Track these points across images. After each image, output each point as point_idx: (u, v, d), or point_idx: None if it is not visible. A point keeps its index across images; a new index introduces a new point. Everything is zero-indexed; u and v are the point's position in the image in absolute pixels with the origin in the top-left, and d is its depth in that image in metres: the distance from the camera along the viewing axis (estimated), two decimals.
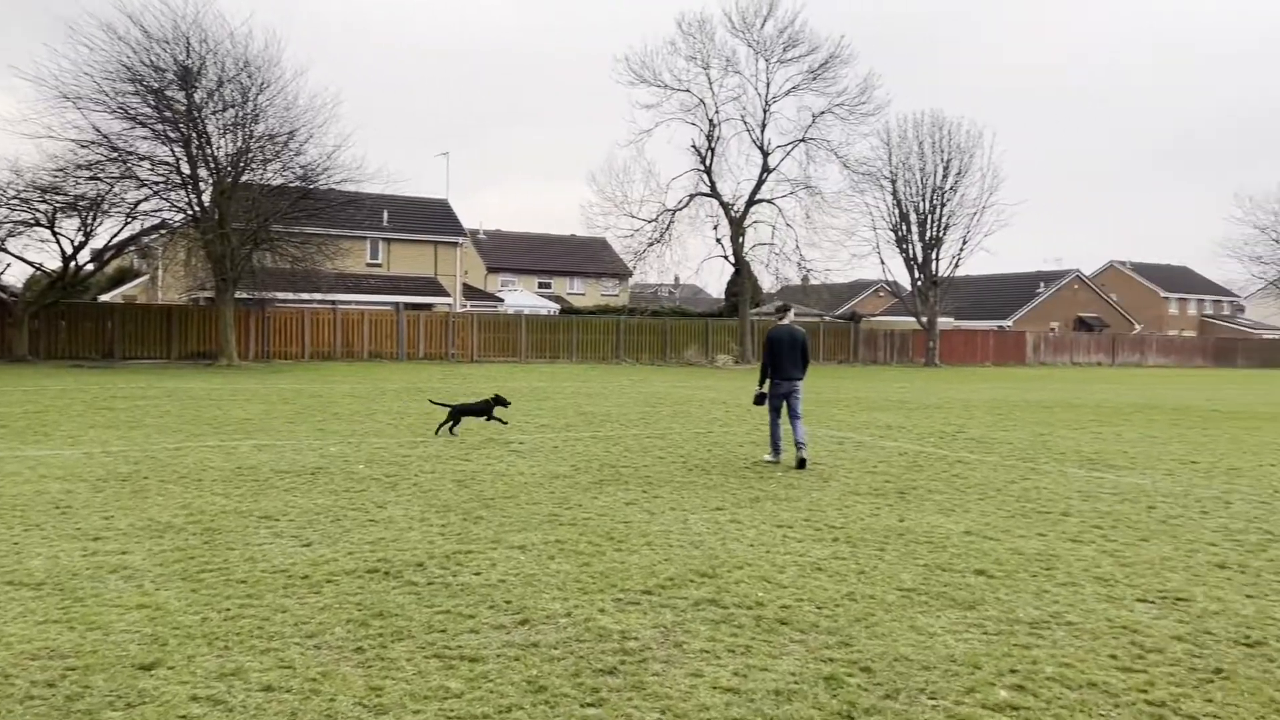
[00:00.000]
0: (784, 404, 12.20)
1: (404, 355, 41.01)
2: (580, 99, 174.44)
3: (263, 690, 4.35)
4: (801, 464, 11.61)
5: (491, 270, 66.72)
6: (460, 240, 51.28)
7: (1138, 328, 72.01)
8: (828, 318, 54.32)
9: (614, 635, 5.18)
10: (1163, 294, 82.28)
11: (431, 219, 51.22)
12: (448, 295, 48.14)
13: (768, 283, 49.84)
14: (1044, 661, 4.90)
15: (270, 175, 34.53)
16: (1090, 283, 74.90)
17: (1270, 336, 73.01)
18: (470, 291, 54.15)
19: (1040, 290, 70.99)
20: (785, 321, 12.33)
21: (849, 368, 47.31)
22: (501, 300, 55.38)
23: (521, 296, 58.39)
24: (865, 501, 9.46)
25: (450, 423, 14.44)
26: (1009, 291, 71.57)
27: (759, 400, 12.35)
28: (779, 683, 4.54)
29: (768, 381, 12.22)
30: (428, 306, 45.95)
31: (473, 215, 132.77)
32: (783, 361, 12.08)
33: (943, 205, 51.13)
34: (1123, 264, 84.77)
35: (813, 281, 47.98)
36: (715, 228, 46.38)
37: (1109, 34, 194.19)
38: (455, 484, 9.97)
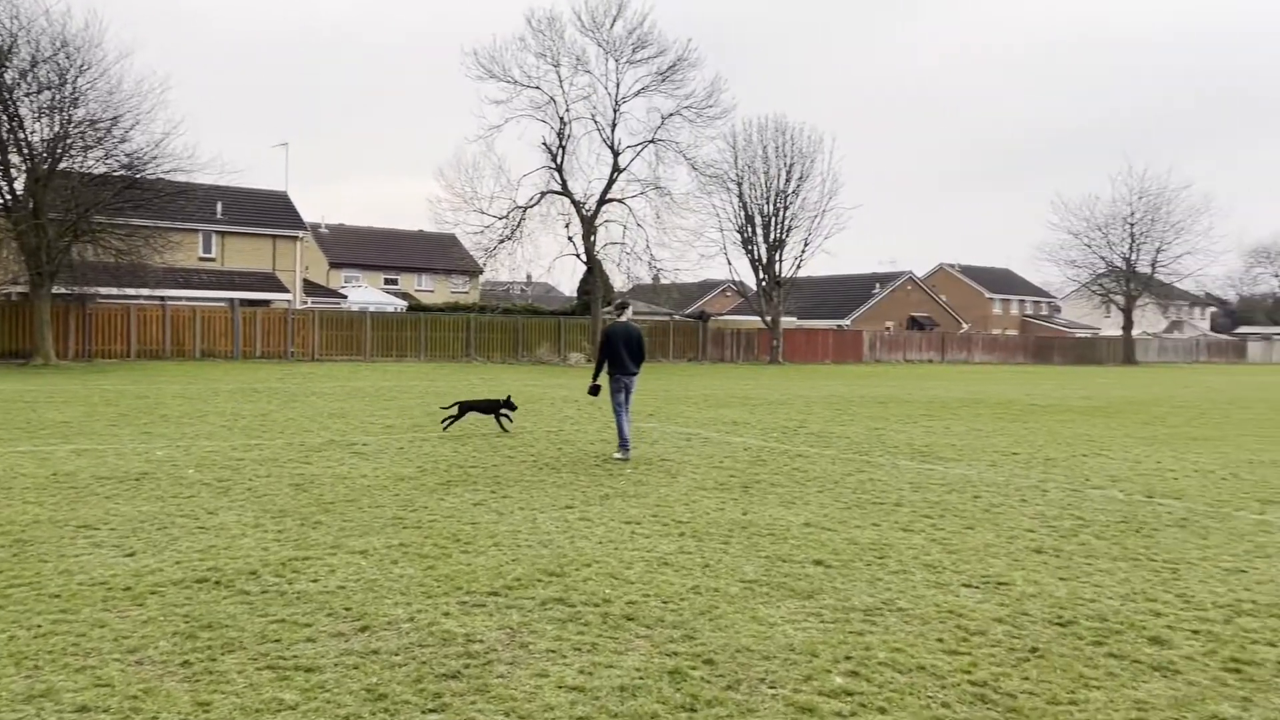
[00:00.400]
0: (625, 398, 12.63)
1: (239, 354, 39.25)
2: (428, 92, 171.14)
3: (76, 711, 4.07)
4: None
5: (334, 266, 64.61)
6: (301, 234, 49.45)
7: (965, 327, 76.16)
8: (677, 316, 55.13)
9: (458, 638, 5.09)
10: (988, 295, 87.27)
11: (270, 212, 49.18)
12: (287, 291, 46.33)
13: (619, 281, 50.13)
14: (877, 647, 5.10)
15: (92, 163, 32.42)
16: (922, 284, 78.75)
17: (1083, 335, 78.51)
18: (311, 288, 52.31)
19: (876, 291, 74.17)
20: (623, 319, 12.76)
21: (698, 365, 48.17)
22: (345, 297, 53.69)
23: (366, 293, 56.78)
24: (711, 496, 9.64)
25: (455, 417, 15.01)
26: (847, 292, 74.48)
27: (593, 391, 12.82)
28: (624, 679, 4.56)
29: (603, 374, 12.65)
30: (265, 303, 44.10)
31: (315, 209, 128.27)
32: (621, 357, 12.48)
33: (786, 208, 52.73)
34: (952, 266, 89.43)
35: (663, 281, 48.59)
36: (567, 226, 46.36)
37: (941, 43, 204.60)
38: (293, 488, 9.60)
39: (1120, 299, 69.73)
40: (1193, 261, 68.22)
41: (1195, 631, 5.47)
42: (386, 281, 66.11)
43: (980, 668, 4.83)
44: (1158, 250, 67.51)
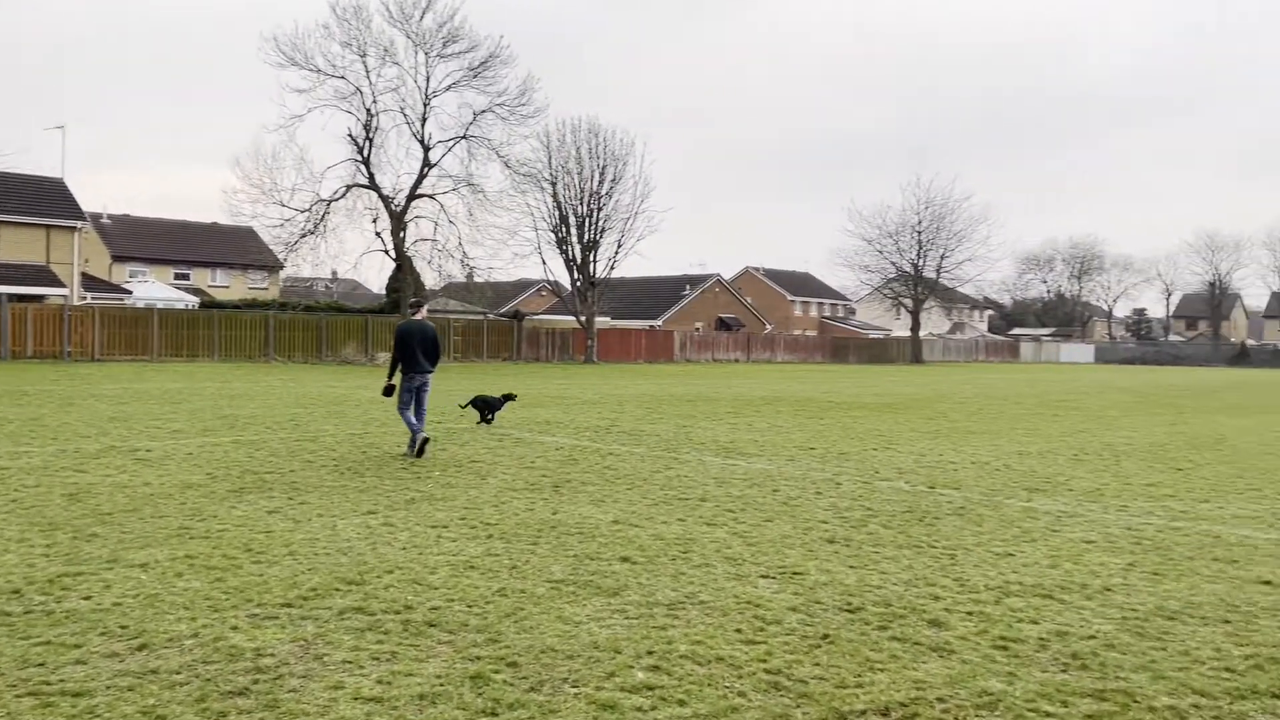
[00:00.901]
0: (414, 396, 12.61)
1: (8, 354, 35.93)
2: (224, 77, 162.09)
3: None
4: (421, 452, 12.15)
5: (118, 259, 60.18)
6: (79, 224, 45.73)
7: (769, 327, 79.20)
8: (492, 316, 54.62)
9: (247, 653, 4.83)
10: (790, 297, 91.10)
11: (43, 200, 45.22)
12: (63, 286, 42.77)
13: (431, 279, 49.19)
14: (679, 641, 5.21)
15: None
16: (729, 286, 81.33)
17: (876, 336, 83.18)
18: (92, 283, 48.47)
19: (686, 292, 75.99)
20: (418, 317, 12.80)
21: (513, 365, 47.87)
22: (130, 292, 50.09)
23: (154, 288, 53.20)
24: (521, 497, 9.59)
25: (480, 409, 16.53)
26: (659, 293, 75.96)
27: (387, 392, 12.67)
28: (424, 686, 4.46)
29: (398, 374, 12.56)
30: (39, 298, 40.56)
31: (100, 199, 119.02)
32: (415, 355, 12.45)
33: (599, 209, 53.23)
34: (757, 269, 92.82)
35: (477, 279, 48.03)
36: (375, 221, 45.06)
37: (743, 48, 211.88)
38: (66, 498, 8.86)
39: (909, 302, 74.37)
40: (973, 268, 73.86)
41: (969, 613, 5.88)
42: (177, 276, 62.20)
43: (775, 656, 5.02)
44: (942, 257, 72.50)
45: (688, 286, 76.78)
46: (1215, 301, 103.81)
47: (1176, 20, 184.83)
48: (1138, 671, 4.89)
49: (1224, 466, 13.23)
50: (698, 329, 71.17)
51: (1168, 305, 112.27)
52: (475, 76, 45.08)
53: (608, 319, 59.94)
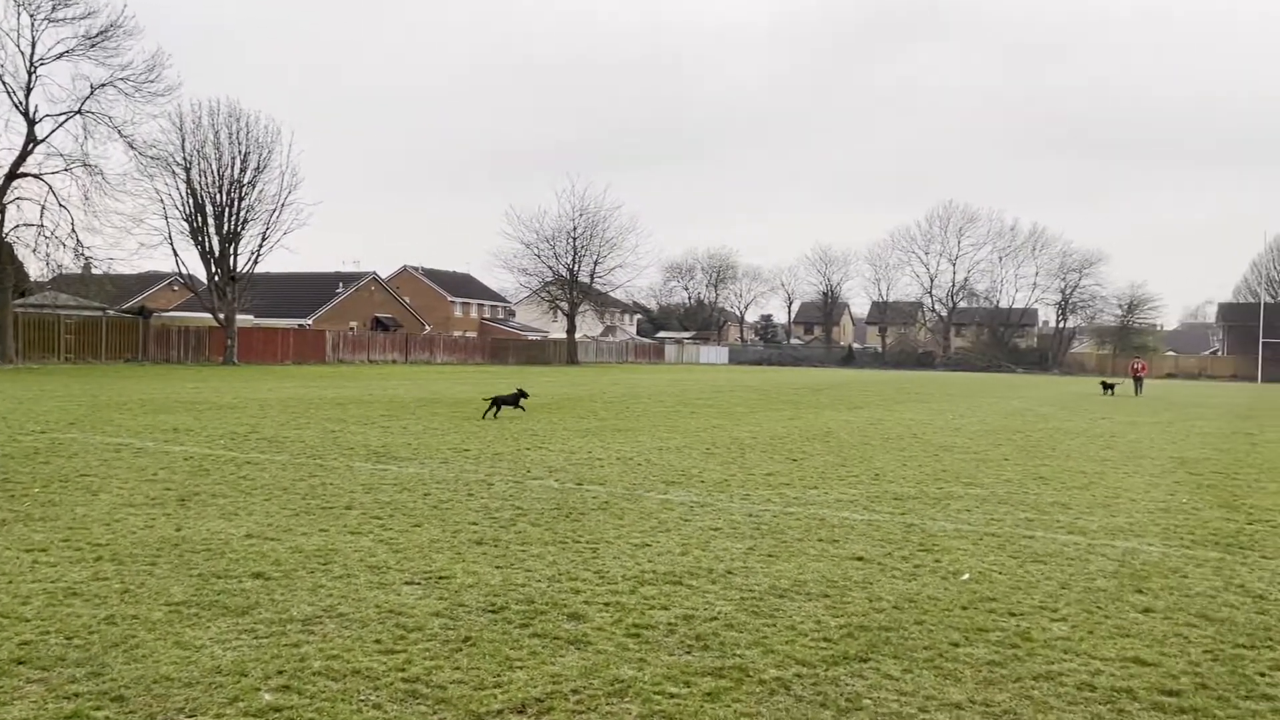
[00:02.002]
0: None
1: None
2: None
3: None
4: None
5: None
6: None
7: (428, 328, 78.21)
8: (112, 312, 49.13)
9: None
10: (450, 298, 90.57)
11: None
12: None
13: (36, 269, 43.43)
14: (313, 657, 4.97)
15: None
16: (386, 285, 79.33)
17: (534, 338, 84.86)
18: None
19: (340, 290, 73.09)
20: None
21: (137, 366, 43.41)
22: None
23: None
24: (140, 513, 8.71)
25: (494, 409, 19.48)
26: (310, 290, 72.39)
27: None
28: None
29: None
30: None
31: None
32: None
33: (241, 199, 49.81)
34: (415, 269, 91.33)
35: (94, 271, 43.08)
36: None
37: (401, 44, 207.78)
38: None
39: (566, 305, 76.62)
40: (623, 274, 77.41)
41: (607, 604, 6.13)
42: None
43: (415, 663, 4.93)
44: (595, 262, 75.37)
45: (341, 284, 73.87)
46: (828, 309, 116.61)
47: (801, 49, 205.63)
48: (751, 648, 5.35)
49: (830, 456, 14.88)
50: (352, 329, 68.69)
51: (789, 312, 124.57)
52: (93, 46, 40.44)
53: (251, 317, 56.14)
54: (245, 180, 49.54)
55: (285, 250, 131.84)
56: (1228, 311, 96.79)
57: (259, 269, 52.38)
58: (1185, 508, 10.66)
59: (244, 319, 53.70)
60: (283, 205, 50.78)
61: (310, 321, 67.94)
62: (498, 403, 20.29)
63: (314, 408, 21.90)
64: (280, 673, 4.73)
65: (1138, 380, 43.54)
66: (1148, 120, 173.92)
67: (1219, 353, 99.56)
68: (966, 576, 7.15)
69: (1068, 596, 6.65)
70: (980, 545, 8.33)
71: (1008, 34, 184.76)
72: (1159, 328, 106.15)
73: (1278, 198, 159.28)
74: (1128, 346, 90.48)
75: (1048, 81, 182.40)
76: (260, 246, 50.69)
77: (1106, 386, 40.97)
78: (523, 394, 21.03)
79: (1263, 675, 5.13)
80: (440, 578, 6.69)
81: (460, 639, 5.36)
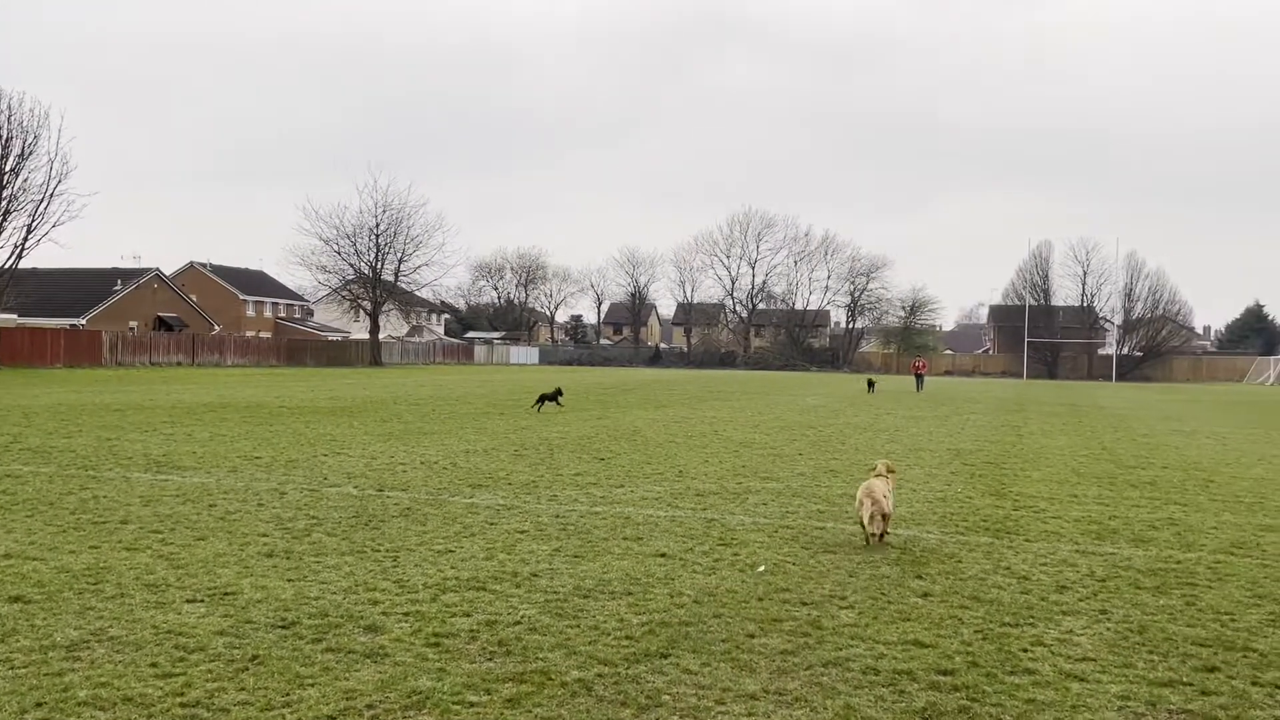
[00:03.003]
0: None
1: None
2: None
3: None
4: None
5: None
6: None
7: (218, 329, 73.92)
8: None
9: None
10: (242, 296, 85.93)
11: None
12: None
13: None
14: (78, 685, 4.58)
15: None
16: (170, 283, 74.41)
17: (335, 338, 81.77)
18: None
19: (118, 288, 67.93)
20: None
21: None
22: None
23: None
24: None
25: (540, 404, 23.50)
26: (84, 288, 66.92)
27: None
28: None
29: None
30: None
31: None
32: None
33: (3, 187, 45.42)
34: (203, 265, 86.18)
35: None
36: None
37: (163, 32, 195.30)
38: None
39: (368, 304, 74.26)
40: (429, 272, 75.81)
41: (406, 614, 5.96)
42: None
43: (195, 686, 4.63)
44: (400, 260, 73.47)
45: (120, 281, 68.63)
46: (636, 310, 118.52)
47: (615, 52, 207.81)
48: (554, 650, 5.34)
49: (637, 455, 15.10)
50: (132, 329, 63.98)
51: (599, 313, 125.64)
52: None
53: (14, 317, 51.32)
54: (7, 168, 45.25)
55: (54, 245, 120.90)
56: (997, 313, 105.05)
57: (24, 264, 48.00)
58: (960, 496, 11.48)
59: (6, 319, 49.07)
60: (51, 195, 46.75)
61: (84, 321, 62.82)
62: (544, 399, 24.10)
63: (87, 414, 20.25)
64: (40, 705, 4.32)
65: (919, 378, 46.51)
66: (934, 137, 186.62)
67: (990, 351, 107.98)
68: (762, 569, 7.41)
69: (855, 584, 7.00)
70: (776, 537, 8.66)
71: (814, 43, 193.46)
72: (938, 328, 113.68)
73: (1040, 211, 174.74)
74: (910, 346, 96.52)
75: (847, 92, 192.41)
76: (25, 240, 46.45)
77: (871, 385, 42.70)
78: (559, 392, 24.72)
79: (1025, 651, 5.57)
80: (226, 594, 6.31)
81: (247, 658, 5.07)
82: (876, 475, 8.74)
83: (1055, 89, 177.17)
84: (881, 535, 8.40)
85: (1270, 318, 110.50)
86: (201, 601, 6.12)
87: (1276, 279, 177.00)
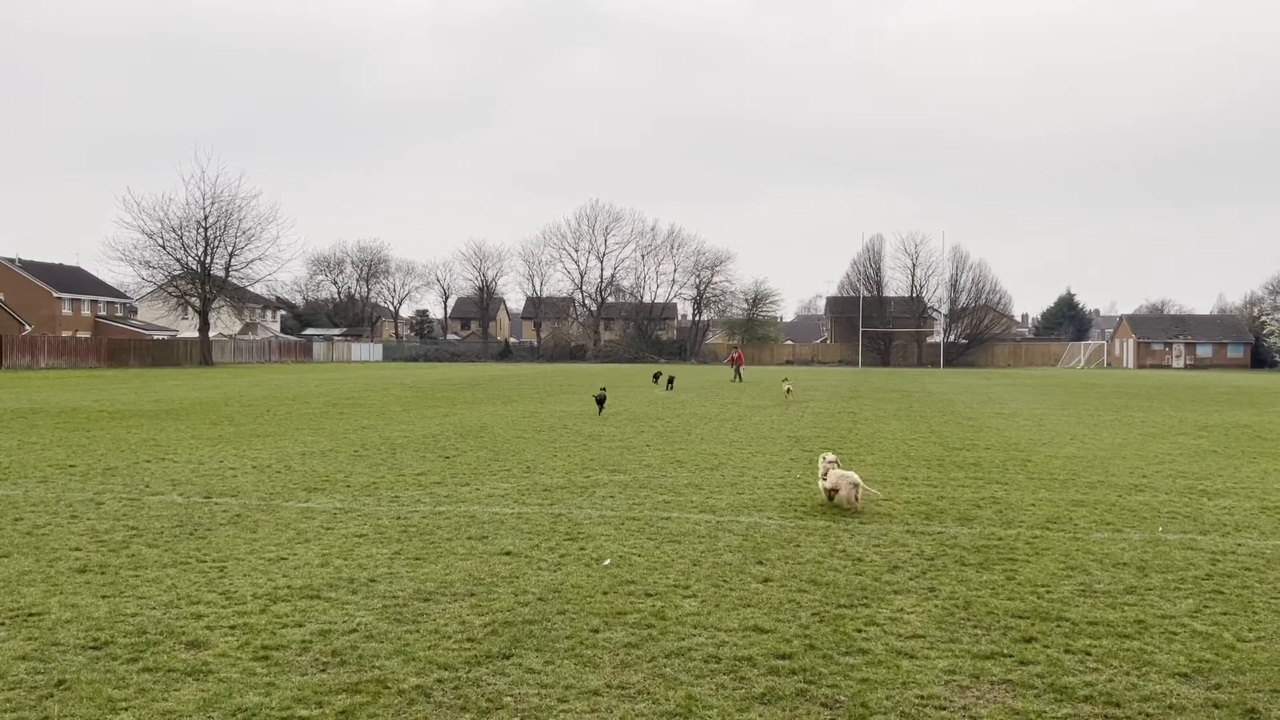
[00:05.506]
0: None
1: None
2: None
3: None
4: None
5: None
6: None
7: (29, 329, 68.70)
8: None
9: None
10: (56, 294, 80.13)
11: None
12: None
13: None
14: None
15: None
16: None
17: (161, 337, 77.30)
18: None
19: None
20: None
21: None
22: None
23: None
24: None
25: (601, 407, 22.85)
26: None
27: None
28: None
29: None
30: None
31: None
32: None
33: None
34: (11, 260, 79.96)
35: None
36: None
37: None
38: None
39: (197, 301, 70.52)
40: (263, 267, 72.84)
41: (233, 627, 5.65)
42: None
43: None
44: (231, 255, 70.04)
45: None
46: (484, 304, 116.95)
47: (465, 47, 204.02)
48: (392, 657, 5.16)
49: (484, 451, 14.87)
50: None
51: (446, 307, 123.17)
52: None
53: None
54: None
55: None
56: (834, 304, 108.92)
57: None
58: (799, 482, 11.80)
59: None
60: None
61: None
62: (601, 401, 23.18)
63: None
64: None
65: (736, 368, 47.53)
66: (777, 134, 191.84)
67: (828, 341, 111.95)
68: (608, 562, 7.40)
69: (699, 573, 7.09)
70: (622, 530, 8.68)
71: (660, 41, 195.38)
72: (779, 319, 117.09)
73: (872, 206, 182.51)
74: (753, 337, 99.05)
75: (691, 89, 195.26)
76: None
77: (656, 377, 40.27)
78: (604, 390, 24.17)
79: (859, 631, 5.76)
80: (30, 615, 5.83)
81: (52, 683, 4.69)
82: (839, 467, 10.16)
83: (892, 91, 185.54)
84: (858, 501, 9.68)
85: (1080, 306, 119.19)
86: (2, 625, 5.63)
87: (1086, 270, 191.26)
